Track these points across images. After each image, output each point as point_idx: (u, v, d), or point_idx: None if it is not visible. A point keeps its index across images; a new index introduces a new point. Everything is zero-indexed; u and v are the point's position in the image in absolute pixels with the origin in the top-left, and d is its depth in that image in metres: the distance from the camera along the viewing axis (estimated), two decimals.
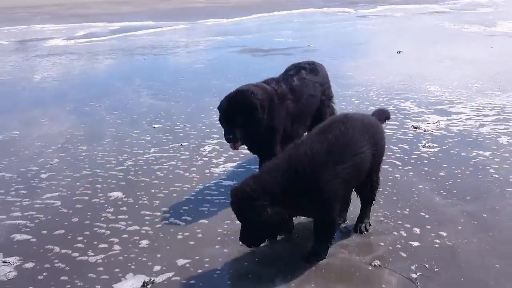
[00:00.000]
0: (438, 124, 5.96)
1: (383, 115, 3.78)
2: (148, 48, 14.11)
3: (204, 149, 5.51)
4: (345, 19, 20.88)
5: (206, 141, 5.78)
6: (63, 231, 3.81)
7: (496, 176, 4.47)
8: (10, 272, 3.28)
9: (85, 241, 3.65)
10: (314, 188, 2.98)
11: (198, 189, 4.49)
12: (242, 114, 3.93)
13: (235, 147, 4.05)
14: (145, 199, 4.33)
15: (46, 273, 3.26)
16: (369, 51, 12.07)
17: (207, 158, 5.24)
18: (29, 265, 3.36)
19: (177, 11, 29.15)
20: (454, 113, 6.43)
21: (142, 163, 5.18)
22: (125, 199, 4.33)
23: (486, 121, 6.02)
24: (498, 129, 5.73)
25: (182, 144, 5.71)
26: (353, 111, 6.50)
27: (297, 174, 2.96)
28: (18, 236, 3.75)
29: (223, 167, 4.99)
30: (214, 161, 5.15)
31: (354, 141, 3.17)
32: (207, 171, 4.90)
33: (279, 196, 2.91)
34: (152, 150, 5.56)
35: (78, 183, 4.71)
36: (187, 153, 5.42)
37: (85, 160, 5.33)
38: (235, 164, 5.07)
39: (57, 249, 3.55)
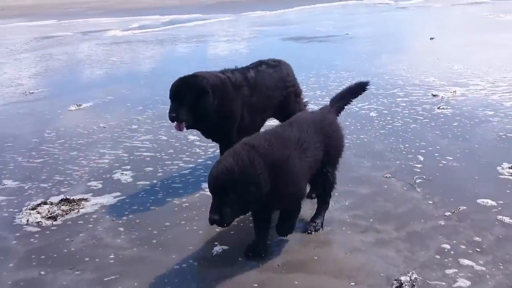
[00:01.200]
0: (454, 93, 7.12)
1: (357, 89, 3.98)
2: (199, 37, 15.71)
3: None
4: (384, 10, 21.83)
5: None
6: None
7: (495, 124, 5.66)
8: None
9: None
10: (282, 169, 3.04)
11: None
12: (191, 96, 4.02)
13: (179, 128, 4.13)
14: None
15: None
16: (403, 38, 13.14)
17: None
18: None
19: (222, 4, 30.80)
20: (471, 85, 7.56)
21: None
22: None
23: (497, 91, 7.13)
24: (506, 96, 6.84)
25: None
26: (385, 85, 7.75)
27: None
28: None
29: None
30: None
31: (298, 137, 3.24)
32: None
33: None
34: None
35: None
36: None
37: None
38: None
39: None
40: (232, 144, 3.27)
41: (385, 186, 4.26)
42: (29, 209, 4.11)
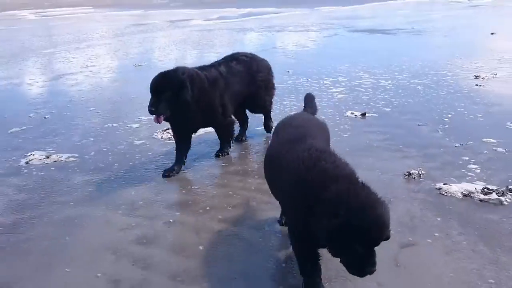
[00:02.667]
0: (495, 75, 8.40)
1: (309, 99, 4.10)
2: (274, 26, 17.56)
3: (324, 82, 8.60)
4: (456, 8, 22.51)
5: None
6: None
7: None
8: None
9: None
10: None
11: None
12: (171, 90, 4.38)
13: (157, 120, 4.48)
14: None
15: None
16: (466, 33, 14.15)
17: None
18: None
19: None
20: None
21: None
22: None
23: None
24: None
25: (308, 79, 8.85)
26: (436, 67, 9.13)
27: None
28: None
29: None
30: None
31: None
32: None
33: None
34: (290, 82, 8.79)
35: None
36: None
37: None
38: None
39: None
40: (225, 126, 5.08)
41: (416, 131, 5.83)
42: None
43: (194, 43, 14.21)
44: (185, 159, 4.90)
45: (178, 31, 17.53)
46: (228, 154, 5.25)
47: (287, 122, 3.40)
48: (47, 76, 10.32)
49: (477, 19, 17.21)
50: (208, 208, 4.07)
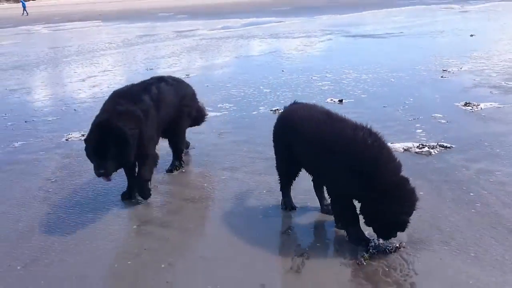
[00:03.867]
0: (460, 69, 9.76)
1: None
2: (276, 33, 19.06)
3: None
4: (447, 14, 23.90)
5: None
6: None
7: (472, 82, 8.34)
8: None
9: None
10: None
11: None
12: (115, 148, 3.97)
13: (108, 179, 4.11)
14: None
15: None
16: (449, 35, 15.51)
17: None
18: None
19: (296, 9, 34.15)
20: (477, 63, 10.12)
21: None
22: None
23: (489, 67, 9.69)
24: (495, 68, 9.40)
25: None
26: (413, 65, 10.48)
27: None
28: None
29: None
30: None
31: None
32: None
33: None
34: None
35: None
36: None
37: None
38: None
39: None
40: (151, 158, 4.50)
41: (381, 110, 7.18)
42: None
43: (202, 50, 15.72)
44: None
45: (185, 40, 19.07)
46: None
47: (306, 107, 4.03)
48: (71, 79, 11.83)
49: (462, 23, 18.56)
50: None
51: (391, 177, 3.24)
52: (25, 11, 56.60)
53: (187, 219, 4.21)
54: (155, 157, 4.65)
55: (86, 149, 4.10)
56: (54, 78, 12.26)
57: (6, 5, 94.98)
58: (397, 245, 3.44)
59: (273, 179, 4.43)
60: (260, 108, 7.75)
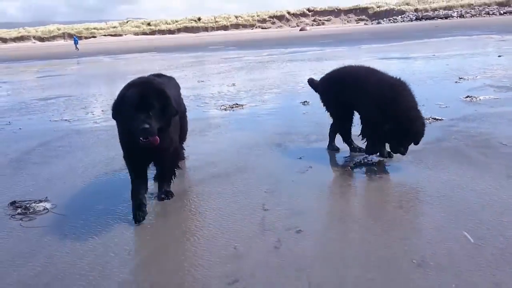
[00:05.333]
0: (475, 77, 11.02)
1: None
2: (314, 58, 20.84)
3: None
4: (485, 43, 24.95)
5: None
6: None
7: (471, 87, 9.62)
8: None
9: None
10: None
11: None
12: (157, 102, 3.64)
13: (154, 139, 3.61)
14: None
15: None
16: (478, 55, 16.70)
17: None
18: None
19: (338, 41, 36.01)
20: (499, 70, 11.36)
21: None
22: None
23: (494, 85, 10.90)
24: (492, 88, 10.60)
25: None
26: (433, 76, 11.84)
27: None
28: None
29: None
30: None
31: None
32: None
33: None
34: None
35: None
36: None
37: None
38: None
39: None
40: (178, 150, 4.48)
41: None
42: None
43: (248, 68, 17.69)
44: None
45: (234, 63, 21.20)
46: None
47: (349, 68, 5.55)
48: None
49: (496, 47, 19.66)
50: None
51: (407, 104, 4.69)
52: (76, 47, 61.88)
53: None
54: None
55: (119, 106, 3.71)
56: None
57: (61, 41, 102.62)
58: (376, 161, 4.93)
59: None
60: (294, 98, 9.35)
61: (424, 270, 2.90)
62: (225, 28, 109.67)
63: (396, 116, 4.59)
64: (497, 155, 5.03)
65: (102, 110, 9.95)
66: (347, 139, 5.55)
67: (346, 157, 5.40)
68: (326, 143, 5.72)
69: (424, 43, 27.38)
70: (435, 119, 6.82)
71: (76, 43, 64.73)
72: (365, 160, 5.00)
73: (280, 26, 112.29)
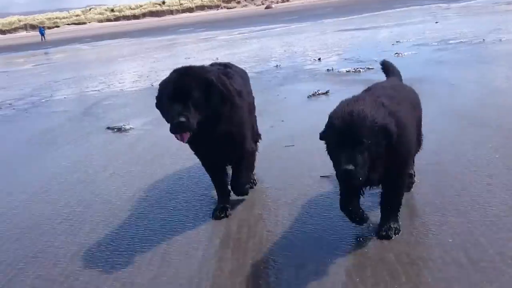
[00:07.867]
0: (410, 39, 14.27)
1: None
2: (284, 33, 23.83)
3: None
4: (432, 12, 28.38)
5: None
6: None
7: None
8: None
9: None
10: None
11: None
12: (197, 91, 3.34)
13: (183, 139, 3.36)
14: None
15: None
16: (418, 23, 19.98)
17: None
18: None
19: (302, 17, 38.87)
20: (433, 33, 14.63)
21: None
22: None
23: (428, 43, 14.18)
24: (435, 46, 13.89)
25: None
26: (375, 40, 15.01)
27: None
28: None
29: None
30: None
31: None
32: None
33: None
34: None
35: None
36: None
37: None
38: None
39: None
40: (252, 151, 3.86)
41: (344, 62, 11.73)
42: None
43: (223, 47, 20.61)
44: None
45: (208, 43, 24.04)
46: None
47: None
48: (131, 75, 16.73)
49: (434, 16, 23.04)
50: None
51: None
52: (43, 37, 63.08)
53: None
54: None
55: (159, 99, 3.52)
56: (113, 73, 17.17)
57: (23, 33, 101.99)
58: None
59: None
60: (269, 64, 12.36)
61: None
62: (190, 10, 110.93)
63: None
64: None
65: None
66: None
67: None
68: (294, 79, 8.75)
69: (380, 15, 30.67)
70: (368, 68, 9.97)
71: (42, 33, 65.88)
72: None
73: (246, 6, 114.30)
